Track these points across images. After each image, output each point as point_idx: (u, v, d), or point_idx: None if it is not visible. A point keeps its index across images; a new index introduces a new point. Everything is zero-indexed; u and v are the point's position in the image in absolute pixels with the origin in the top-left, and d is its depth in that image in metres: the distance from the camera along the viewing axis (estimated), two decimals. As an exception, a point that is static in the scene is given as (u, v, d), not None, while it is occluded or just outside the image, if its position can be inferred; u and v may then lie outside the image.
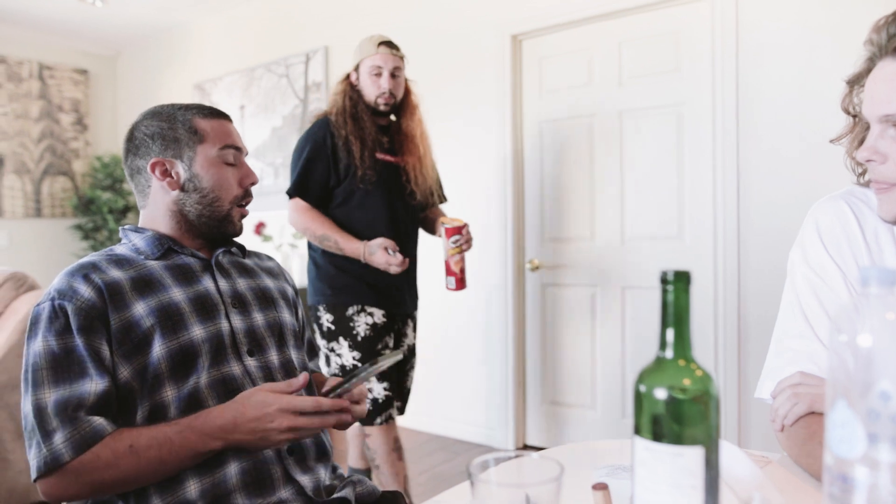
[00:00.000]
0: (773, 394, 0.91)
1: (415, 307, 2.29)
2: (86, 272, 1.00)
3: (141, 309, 1.00)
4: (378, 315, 2.11)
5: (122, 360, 0.96)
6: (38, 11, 4.49)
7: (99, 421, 0.92)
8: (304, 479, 1.04)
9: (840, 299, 0.89)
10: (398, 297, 2.17)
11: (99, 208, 4.96)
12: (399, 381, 2.25)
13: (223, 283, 1.12)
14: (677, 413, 0.53)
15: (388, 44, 2.13)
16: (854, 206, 0.93)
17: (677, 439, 0.52)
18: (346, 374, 2.00)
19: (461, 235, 2.03)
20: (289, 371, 1.13)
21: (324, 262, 2.15)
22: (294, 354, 1.17)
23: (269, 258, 1.31)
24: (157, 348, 0.98)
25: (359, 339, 2.08)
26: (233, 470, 0.98)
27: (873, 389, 0.53)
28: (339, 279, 2.12)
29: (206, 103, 4.42)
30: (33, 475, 0.92)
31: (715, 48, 2.55)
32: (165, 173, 1.11)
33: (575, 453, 0.99)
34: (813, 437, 0.81)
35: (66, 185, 5.14)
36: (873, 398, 0.53)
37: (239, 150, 1.15)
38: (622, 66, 2.82)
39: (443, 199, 2.37)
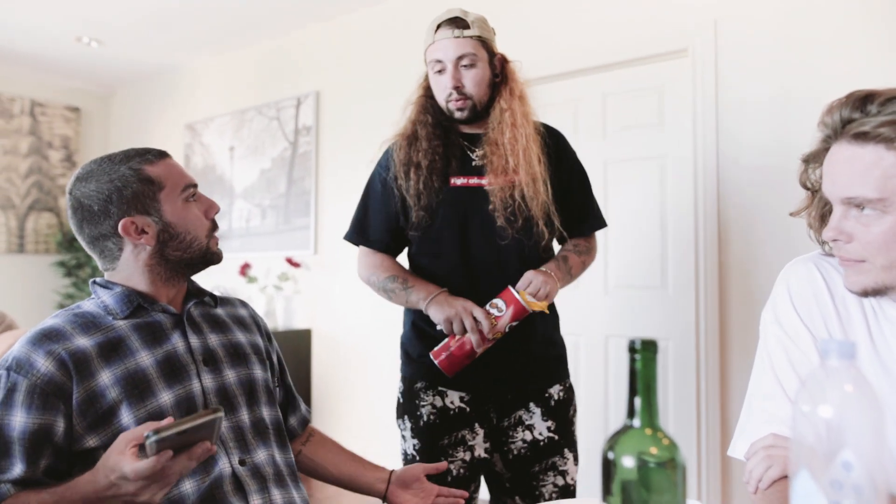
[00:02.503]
0: (746, 455, 0.92)
1: (529, 394, 1.54)
2: (48, 343, 0.97)
3: (106, 378, 0.98)
4: (453, 398, 1.52)
5: (86, 430, 0.96)
6: (33, 50, 4.54)
7: (3, 485, 0.92)
8: None
9: (811, 362, 0.90)
10: (488, 375, 1.51)
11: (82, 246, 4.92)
12: (519, 481, 1.55)
13: (194, 340, 1.10)
14: (645, 480, 0.53)
15: (452, 22, 1.52)
16: (824, 270, 0.96)
17: (644, 507, 0.52)
18: (406, 461, 1.59)
19: (517, 323, 1.44)
20: (260, 431, 1.11)
21: (406, 318, 1.67)
22: (266, 412, 1.15)
23: (243, 304, 1.29)
24: (126, 419, 0.97)
25: (420, 423, 1.54)
26: None
27: (836, 459, 0.54)
28: (415, 343, 1.60)
29: (196, 145, 4.40)
30: None
31: (696, 102, 2.62)
32: (139, 231, 1.06)
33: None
34: (786, 502, 0.81)
35: (52, 222, 5.12)
36: (836, 468, 0.54)
37: (195, 186, 1.13)
38: (606, 118, 2.89)
39: (578, 230, 1.61)
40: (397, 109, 3.82)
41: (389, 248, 1.64)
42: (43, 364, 0.95)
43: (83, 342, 0.99)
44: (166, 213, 1.07)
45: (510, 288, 1.43)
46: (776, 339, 0.95)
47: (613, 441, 0.55)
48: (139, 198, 1.05)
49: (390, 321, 3.54)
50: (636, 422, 0.54)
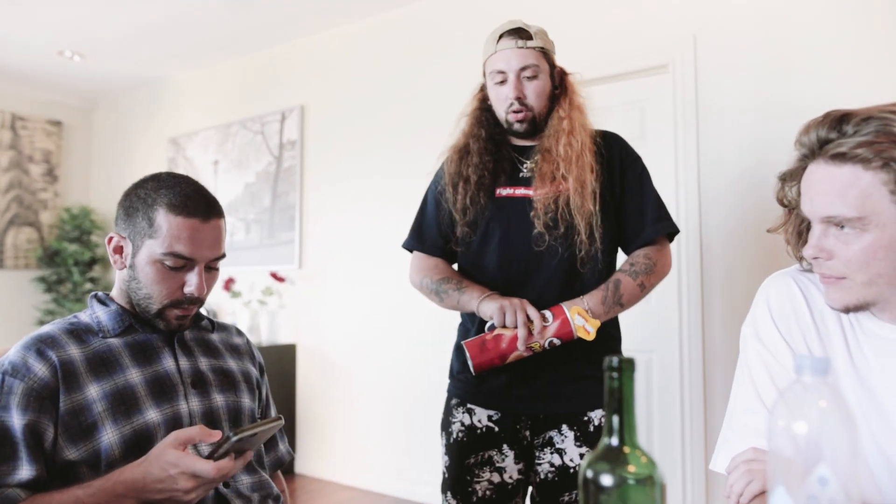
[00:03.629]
0: (727, 469, 0.92)
1: (564, 414, 1.47)
2: (42, 347, 0.99)
3: (94, 392, 0.98)
4: (481, 416, 1.49)
5: (67, 442, 0.95)
6: (14, 63, 4.51)
7: (11, 489, 0.92)
8: None
9: (791, 377, 0.91)
10: (521, 391, 1.46)
11: (64, 260, 4.87)
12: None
13: (184, 362, 1.10)
14: (623, 499, 0.53)
15: (515, 33, 1.48)
16: (803, 285, 0.97)
17: (623, 526, 0.53)
18: (442, 477, 1.55)
19: (558, 341, 1.36)
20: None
21: (459, 332, 1.61)
22: None
23: (239, 333, 1.28)
24: (109, 434, 0.97)
25: (451, 440, 1.51)
26: None
27: (812, 475, 0.55)
28: (456, 360, 1.57)
29: (180, 159, 4.37)
30: None
31: (677, 116, 2.66)
32: (118, 250, 1.08)
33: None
34: None
35: (32, 237, 5.06)
36: (812, 483, 0.55)
37: (191, 260, 1.05)
38: (589, 132, 2.92)
39: (639, 238, 1.52)
40: (383, 123, 3.83)
41: (445, 254, 1.60)
42: (38, 368, 0.96)
43: (74, 352, 1.00)
44: (138, 257, 1.05)
45: (562, 304, 1.38)
46: (756, 353, 0.96)
47: (592, 459, 0.55)
48: (134, 227, 1.06)
49: (376, 337, 3.53)
50: (614, 440, 0.54)
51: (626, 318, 2.75)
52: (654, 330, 2.68)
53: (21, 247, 5.00)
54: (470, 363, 1.34)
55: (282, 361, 3.76)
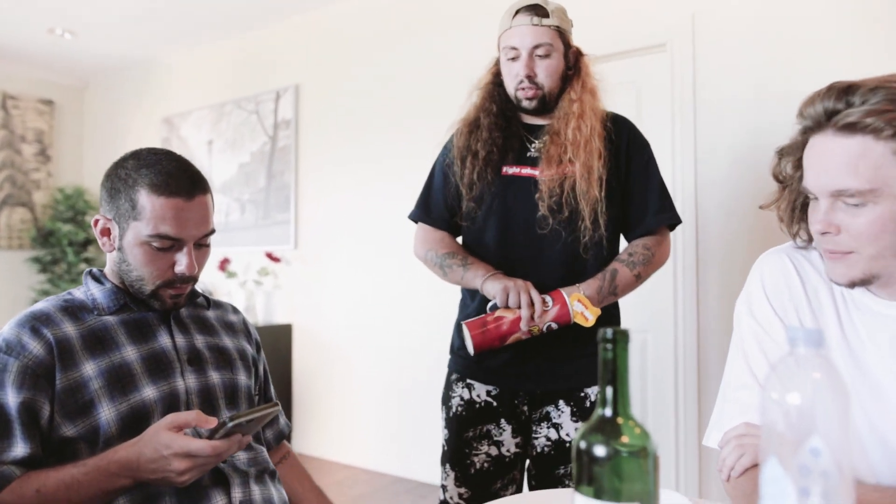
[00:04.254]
0: (720, 444, 0.93)
1: (561, 390, 1.49)
2: (37, 325, 0.98)
3: (90, 370, 0.98)
4: (480, 391, 1.51)
5: (64, 419, 0.95)
6: (3, 41, 4.45)
7: (6, 466, 0.92)
8: None
9: (783, 351, 0.92)
10: (519, 368, 1.48)
11: (59, 240, 4.85)
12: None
13: (180, 339, 1.09)
14: (616, 469, 0.54)
15: (532, 9, 1.46)
16: (797, 262, 0.97)
17: (616, 495, 0.53)
18: (442, 450, 1.57)
19: (555, 325, 1.37)
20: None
21: (459, 311, 1.61)
22: None
23: (235, 311, 1.28)
24: (106, 411, 0.96)
25: (451, 414, 1.54)
26: None
27: (804, 446, 0.55)
28: (457, 336, 1.58)
29: (174, 139, 4.34)
30: None
31: (674, 96, 2.64)
32: (105, 232, 1.07)
33: (535, 501, 0.99)
34: (758, 490, 0.83)
35: (25, 217, 5.03)
36: (804, 454, 0.55)
37: (178, 240, 1.04)
38: (585, 112, 2.90)
39: (641, 227, 1.51)
40: (378, 102, 3.81)
41: (451, 227, 1.60)
42: (33, 345, 0.96)
43: (69, 330, 1.00)
44: (125, 240, 1.04)
45: (561, 290, 1.39)
46: (749, 329, 0.96)
47: (585, 430, 0.55)
48: (118, 210, 1.04)
49: (372, 316, 3.54)
50: (608, 411, 0.55)
51: (621, 299, 2.75)
52: (649, 310, 2.69)
53: (15, 227, 4.97)
54: (470, 343, 1.35)
55: (278, 341, 3.77)
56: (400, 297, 3.40)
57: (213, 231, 1.10)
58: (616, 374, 0.54)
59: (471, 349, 1.36)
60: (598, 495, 0.53)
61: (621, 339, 0.54)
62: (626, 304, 2.73)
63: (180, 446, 0.88)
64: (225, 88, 4.34)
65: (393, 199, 3.37)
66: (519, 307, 1.34)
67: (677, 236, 2.61)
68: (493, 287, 1.39)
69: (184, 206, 1.03)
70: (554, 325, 1.36)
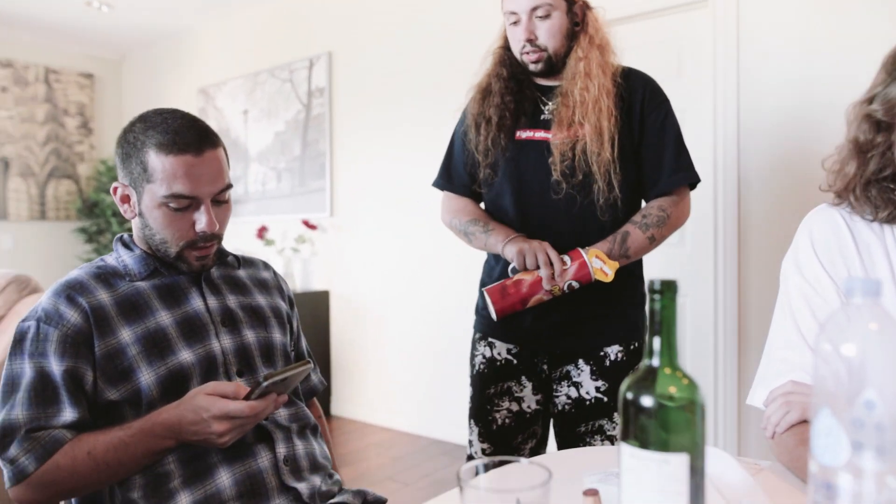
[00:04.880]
0: (765, 402, 0.92)
1: (581, 349, 1.50)
2: (72, 293, 0.99)
3: (127, 336, 1.00)
4: (501, 349, 1.53)
5: (106, 384, 0.98)
6: (44, 15, 4.52)
7: (57, 430, 0.95)
8: (301, 486, 1.04)
9: (832, 309, 0.89)
10: (539, 327, 1.48)
11: (103, 211, 4.99)
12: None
13: (212, 301, 1.10)
14: (663, 421, 0.53)
15: None
16: (847, 218, 0.93)
17: (663, 446, 0.53)
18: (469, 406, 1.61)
19: (576, 284, 1.36)
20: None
21: (483, 266, 1.64)
22: None
23: (266, 267, 1.27)
24: (146, 375, 0.98)
25: (474, 371, 1.57)
26: (226, 481, 0.99)
27: (858, 398, 0.54)
28: (480, 297, 1.59)
29: (210, 109, 4.37)
30: (6, 485, 0.95)
31: (717, 55, 2.55)
32: (124, 199, 1.07)
33: (569, 459, 0.99)
34: (803, 444, 0.82)
35: (71, 189, 5.17)
36: (858, 407, 0.54)
37: (194, 198, 1.02)
38: (623, 72, 2.83)
39: (656, 188, 1.48)
40: (411, 68, 3.78)
41: (473, 194, 1.61)
42: (71, 314, 0.97)
43: (103, 297, 1.01)
44: (144, 203, 1.04)
45: (578, 248, 1.38)
46: (797, 287, 0.94)
47: (632, 381, 0.55)
48: (131, 175, 1.04)
49: (407, 282, 3.57)
50: (655, 361, 0.54)
51: (657, 263, 2.72)
52: (688, 273, 2.65)
53: (61, 199, 5.12)
54: (492, 309, 1.36)
55: (316, 308, 3.83)
56: (432, 260, 3.42)
57: (229, 186, 1.07)
58: (664, 325, 0.54)
59: (494, 315, 1.37)
60: (644, 446, 0.53)
61: (670, 289, 0.54)
62: (662, 267, 2.70)
63: (219, 409, 0.90)
64: (259, 57, 4.35)
65: (425, 164, 3.36)
66: (537, 268, 1.34)
67: (717, 196, 2.55)
68: (511, 251, 1.39)
69: (194, 163, 1.00)
70: (575, 284, 1.35)
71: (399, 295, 3.61)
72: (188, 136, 1.01)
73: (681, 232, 2.67)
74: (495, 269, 1.55)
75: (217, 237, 1.07)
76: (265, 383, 0.90)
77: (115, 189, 1.07)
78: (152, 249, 1.08)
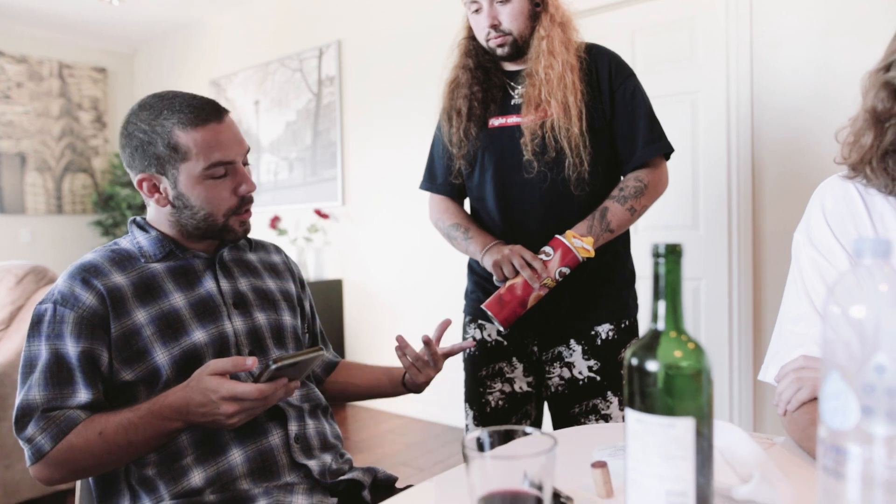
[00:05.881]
0: (776, 378, 0.90)
1: (571, 329, 1.50)
2: (87, 276, 1.00)
3: (141, 317, 1.01)
4: (491, 331, 1.56)
5: (122, 365, 0.99)
6: (57, 10, 4.56)
7: (72, 410, 0.96)
8: (311, 463, 1.05)
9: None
10: (530, 310, 1.44)
11: (118, 204, 5.03)
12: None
13: (225, 284, 1.11)
14: (668, 385, 0.53)
15: None
16: (860, 188, 0.91)
17: (669, 411, 0.52)
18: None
19: (566, 269, 1.36)
20: None
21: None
22: None
23: (277, 250, 1.29)
24: (160, 356, 0.99)
25: (466, 354, 1.61)
26: (237, 458, 1.00)
27: (868, 362, 0.53)
28: (468, 280, 1.65)
29: (222, 100, 4.40)
30: (27, 463, 0.98)
31: (729, 36, 2.52)
32: (153, 189, 1.06)
33: (579, 434, 0.99)
34: (815, 423, 0.80)
35: (86, 182, 5.23)
36: (868, 371, 0.53)
37: (230, 163, 1.05)
38: (635, 54, 2.80)
39: (631, 160, 1.48)
40: (421, 56, 3.77)
41: (454, 193, 1.62)
42: (86, 296, 0.99)
43: (119, 279, 1.02)
44: (181, 183, 1.04)
45: (557, 236, 1.39)
46: (809, 258, 0.92)
47: (636, 347, 0.54)
48: (160, 160, 1.03)
49: (418, 271, 3.57)
50: (660, 325, 0.53)
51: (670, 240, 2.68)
52: (702, 256, 2.63)
53: (77, 193, 5.18)
54: (497, 322, 1.37)
55: (329, 296, 3.85)
56: (444, 249, 3.41)
57: (249, 148, 1.11)
58: (668, 288, 0.53)
59: (501, 327, 1.38)
60: (650, 411, 0.53)
61: (674, 253, 0.53)
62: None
63: (228, 390, 0.90)
64: (269, 47, 4.35)
65: (438, 152, 3.36)
66: (516, 274, 1.36)
67: (731, 177, 2.52)
68: (487, 264, 1.42)
69: (220, 129, 1.04)
70: (566, 270, 1.36)
71: (411, 282, 3.61)
72: (205, 106, 1.04)
73: (694, 215, 2.65)
74: (477, 267, 1.58)
75: (252, 199, 1.11)
76: (274, 366, 0.90)
77: (141, 183, 1.06)
78: (176, 229, 1.09)
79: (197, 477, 0.98)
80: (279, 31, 4.29)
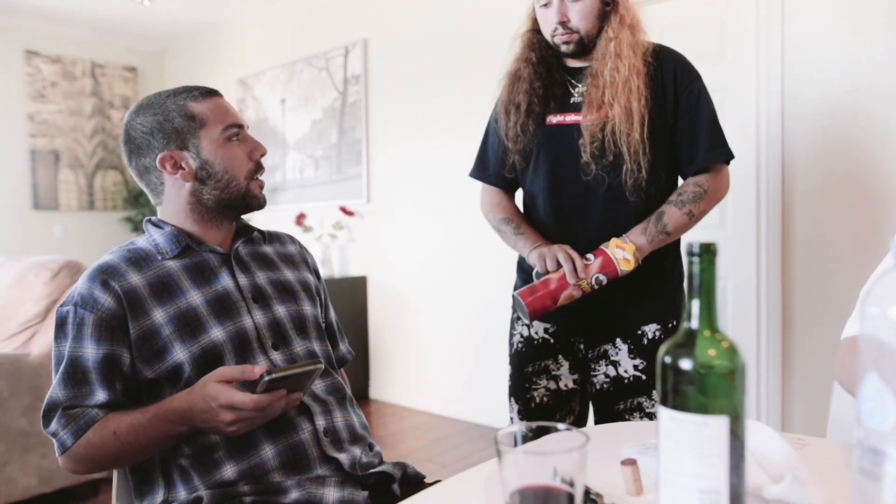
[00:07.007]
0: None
1: (617, 328, 1.50)
2: (105, 278, 1.02)
3: (160, 317, 1.02)
4: (538, 328, 1.55)
5: (143, 364, 1.01)
6: (90, 11, 4.65)
7: (90, 409, 0.99)
8: (342, 456, 1.06)
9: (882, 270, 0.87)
10: (578, 308, 1.46)
11: (147, 201, 5.13)
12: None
13: (242, 279, 1.12)
14: (702, 383, 0.53)
15: None
16: None
17: (702, 409, 0.52)
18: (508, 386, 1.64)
19: (603, 277, 1.36)
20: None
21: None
22: (317, 346, 1.17)
23: (291, 240, 1.30)
24: (180, 354, 1.01)
25: (513, 350, 1.60)
26: (269, 452, 1.02)
27: (907, 363, 0.52)
28: (518, 278, 1.63)
29: (249, 98, 4.46)
30: (56, 454, 1.02)
31: (759, 33, 2.48)
32: (176, 166, 1.08)
33: (610, 431, 0.99)
34: (852, 353, 0.80)
35: (117, 179, 5.33)
36: (906, 371, 0.52)
37: (241, 126, 1.12)
38: (663, 51, 2.77)
39: (691, 166, 1.47)
40: (445, 54, 3.78)
41: (507, 185, 1.62)
42: (104, 298, 1.01)
43: (136, 280, 1.04)
44: (204, 150, 1.08)
45: (601, 246, 1.39)
46: None
47: (670, 345, 0.54)
48: (179, 133, 1.07)
49: (444, 268, 3.58)
50: (694, 324, 0.53)
51: (699, 239, 2.66)
52: (729, 255, 2.60)
53: (108, 189, 5.28)
54: (525, 311, 1.37)
55: (354, 294, 3.88)
56: (469, 245, 3.42)
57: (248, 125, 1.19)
58: (703, 287, 0.53)
59: (527, 317, 1.38)
60: (684, 409, 0.53)
61: (709, 252, 0.53)
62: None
63: (226, 398, 0.90)
64: (295, 46, 4.39)
65: (461, 149, 3.36)
66: (558, 267, 1.37)
67: (760, 176, 2.49)
68: (533, 257, 1.43)
69: (222, 102, 1.13)
70: (602, 278, 1.37)
71: (436, 280, 3.63)
72: (201, 89, 1.12)
73: (722, 213, 2.62)
74: (525, 264, 1.57)
75: (262, 167, 1.17)
76: (267, 378, 0.89)
77: (164, 161, 1.08)
78: (192, 221, 1.11)
79: (230, 470, 1.00)
80: (306, 31, 4.33)
